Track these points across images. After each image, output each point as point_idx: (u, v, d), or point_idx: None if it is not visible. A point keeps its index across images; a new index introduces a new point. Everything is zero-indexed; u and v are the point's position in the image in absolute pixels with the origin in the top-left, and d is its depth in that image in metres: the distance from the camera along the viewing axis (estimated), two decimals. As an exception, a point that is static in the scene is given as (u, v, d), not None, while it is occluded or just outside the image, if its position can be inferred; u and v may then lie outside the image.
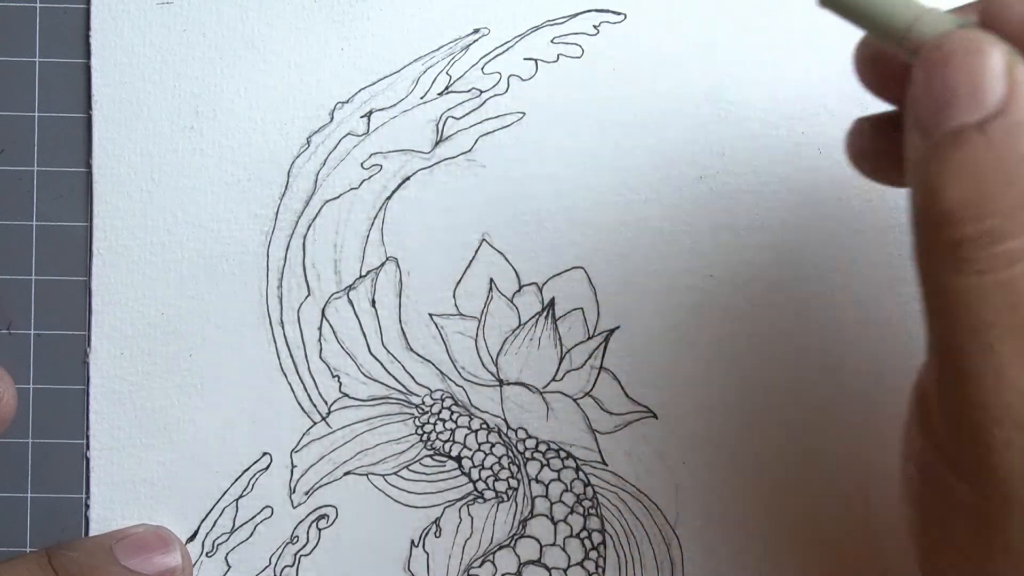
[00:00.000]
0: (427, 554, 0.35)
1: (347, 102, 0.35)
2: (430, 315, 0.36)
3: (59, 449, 0.35)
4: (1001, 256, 0.24)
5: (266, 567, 0.35)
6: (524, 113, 0.36)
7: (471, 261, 0.35)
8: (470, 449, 0.36)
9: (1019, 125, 0.25)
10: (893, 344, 0.35)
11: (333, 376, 0.35)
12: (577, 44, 0.36)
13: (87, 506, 0.35)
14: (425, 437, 0.36)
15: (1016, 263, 0.24)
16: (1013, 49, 0.26)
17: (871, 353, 0.35)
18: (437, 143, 0.36)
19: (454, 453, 0.36)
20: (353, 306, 0.35)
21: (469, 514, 0.36)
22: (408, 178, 0.35)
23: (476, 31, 0.36)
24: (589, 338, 0.35)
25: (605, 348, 0.35)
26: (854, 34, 0.36)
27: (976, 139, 0.25)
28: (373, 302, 0.35)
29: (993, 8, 0.26)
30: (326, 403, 0.35)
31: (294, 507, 0.35)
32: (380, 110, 0.35)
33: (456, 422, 0.36)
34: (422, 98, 0.35)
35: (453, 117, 0.36)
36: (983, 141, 0.25)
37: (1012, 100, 0.25)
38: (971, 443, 0.24)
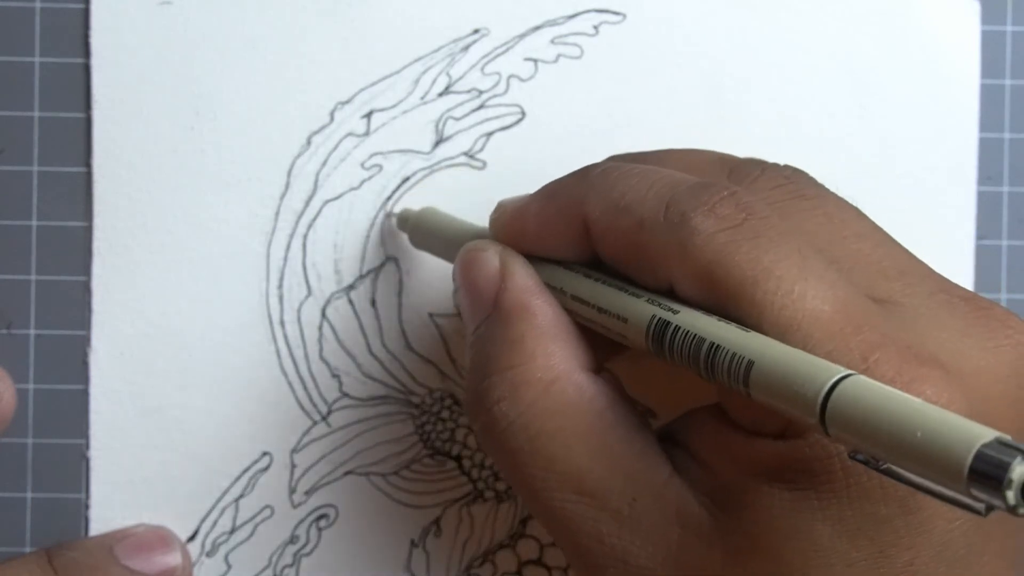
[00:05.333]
0: (427, 554, 0.35)
1: (347, 102, 0.35)
2: (430, 315, 0.36)
3: (59, 449, 0.35)
4: (518, 432, 0.28)
5: (266, 567, 0.35)
6: (524, 113, 0.36)
7: (471, 261, 0.35)
8: (470, 449, 0.36)
9: (508, 312, 0.29)
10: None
11: (333, 376, 0.35)
12: (577, 44, 0.36)
13: (87, 506, 0.35)
14: (425, 437, 0.36)
15: (531, 435, 0.28)
16: (507, 248, 0.30)
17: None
18: (437, 143, 0.36)
19: (454, 453, 0.36)
20: (353, 306, 0.35)
21: (469, 514, 0.36)
22: (408, 178, 0.35)
23: (476, 32, 0.36)
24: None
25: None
26: (854, 34, 0.36)
27: (482, 334, 0.29)
28: (373, 302, 0.35)
29: (491, 217, 0.31)
30: (326, 403, 0.35)
31: (294, 507, 0.35)
32: (380, 110, 0.35)
33: (456, 422, 0.36)
34: (422, 99, 0.36)
35: (453, 118, 0.36)
36: (484, 335, 0.29)
37: (502, 292, 0.29)
38: None
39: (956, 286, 0.27)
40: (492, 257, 0.30)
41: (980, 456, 0.19)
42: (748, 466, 0.26)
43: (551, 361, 0.28)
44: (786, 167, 0.29)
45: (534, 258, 0.30)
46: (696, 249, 0.26)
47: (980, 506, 0.20)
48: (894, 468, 0.22)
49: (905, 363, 0.24)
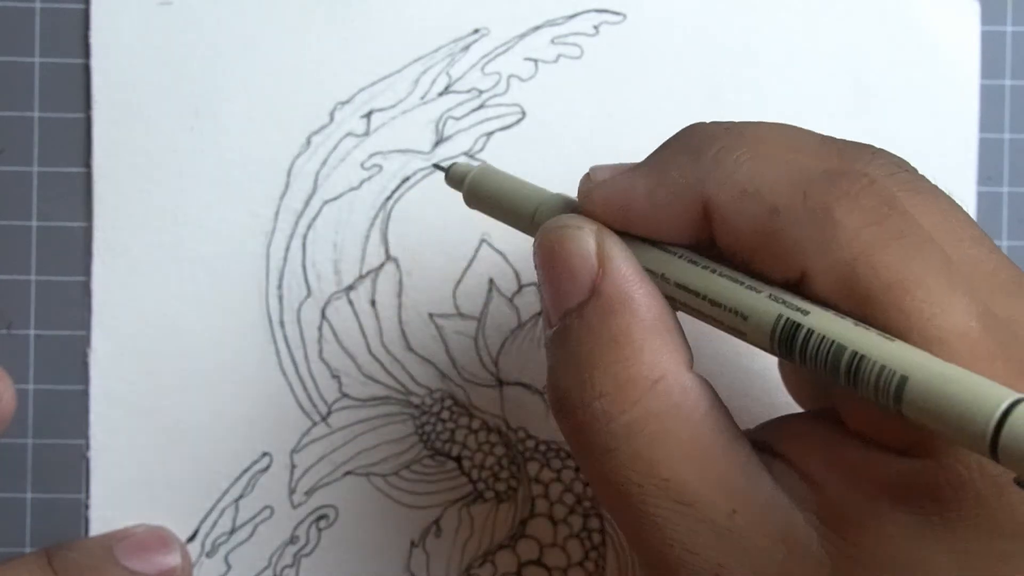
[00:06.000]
0: (427, 554, 0.35)
1: (347, 102, 0.35)
2: (430, 315, 0.36)
3: (59, 449, 0.35)
4: (619, 432, 0.26)
5: (266, 567, 0.35)
6: (524, 113, 0.36)
7: (471, 261, 0.35)
8: (470, 449, 0.36)
9: (610, 302, 0.26)
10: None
11: (333, 376, 0.35)
12: (577, 44, 0.36)
13: (87, 506, 0.35)
14: (425, 437, 0.36)
15: (632, 436, 0.26)
16: (602, 228, 0.27)
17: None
18: (437, 143, 0.36)
19: (454, 453, 0.36)
20: (353, 306, 0.35)
21: (469, 514, 0.36)
22: (408, 178, 0.35)
23: (476, 31, 0.36)
24: (589, 338, 0.35)
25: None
26: (854, 34, 0.36)
27: (576, 324, 0.27)
28: (373, 302, 0.35)
29: (582, 190, 0.28)
30: (326, 403, 0.35)
31: (294, 507, 0.35)
32: (380, 110, 0.35)
33: (456, 422, 0.36)
34: (422, 98, 0.36)
35: (453, 117, 0.36)
36: (581, 326, 0.26)
37: (602, 279, 0.26)
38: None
39: None
40: (587, 237, 0.27)
41: None
42: (866, 484, 0.24)
43: (658, 358, 0.26)
44: (893, 155, 0.27)
45: (629, 238, 0.27)
46: (841, 244, 0.24)
47: None
48: None
49: None
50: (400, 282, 0.36)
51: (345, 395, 0.35)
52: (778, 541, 0.25)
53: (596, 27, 0.36)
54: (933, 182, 0.26)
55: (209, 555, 0.35)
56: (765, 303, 0.25)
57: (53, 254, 0.35)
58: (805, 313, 0.24)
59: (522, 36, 0.36)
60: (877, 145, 0.26)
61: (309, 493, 0.35)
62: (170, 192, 0.35)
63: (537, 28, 0.36)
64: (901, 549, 0.23)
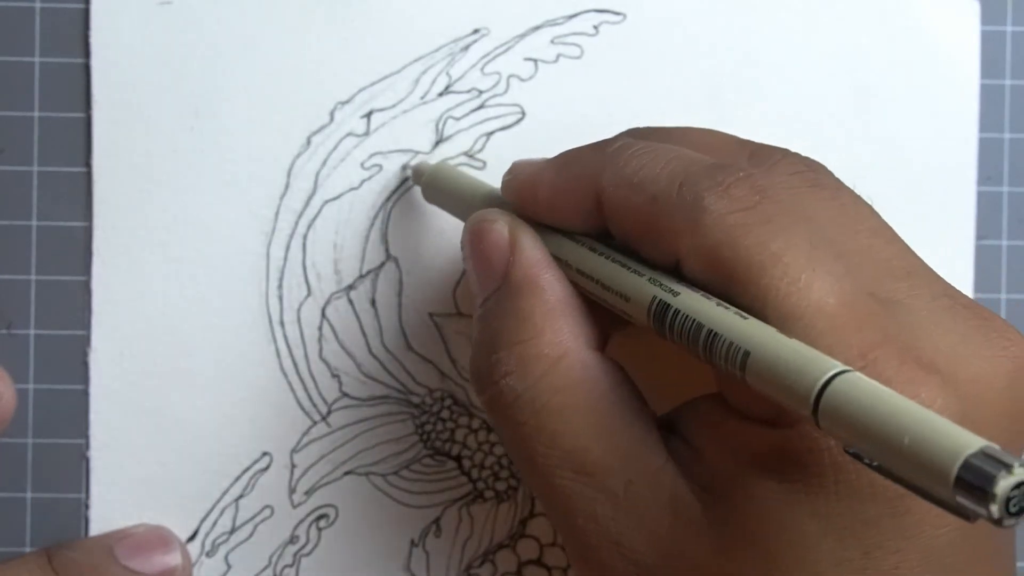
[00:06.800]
0: (427, 554, 0.35)
1: (347, 102, 0.35)
2: (430, 315, 0.36)
3: (59, 449, 0.35)
4: (525, 407, 0.28)
5: (266, 567, 0.35)
6: (524, 113, 0.36)
7: (471, 261, 0.35)
8: (470, 449, 0.36)
9: (518, 286, 0.29)
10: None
11: (333, 376, 0.35)
12: (577, 44, 0.36)
13: (87, 506, 0.35)
14: (425, 437, 0.36)
15: (536, 411, 0.28)
16: (516, 219, 0.30)
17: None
18: (437, 143, 0.36)
19: (454, 453, 0.36)
20: (353, 306, 0.35)
21: (469, 514, 0.36)
22: (408, 178, 0.35)
23: (476, 31, 0.36)
24: (589, 338, 0.35)
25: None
26: (854, 34, 0.36)
27: (489, 308, 0.29)
28: (373, 302, 0.35)
29: (503, 181, 0.31)
30: (326, 403, 0.35)
31: (294, 507, 0.35)
32: (380, 110, 0.35)
33: (456, 422, 0.36)
34: (422, 98, 0.36)
35: (453, 117, 0.36)
36: (493, 309, 0.29)
37: (512, 266, 0.29)
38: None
39: (960, 293, 0.27)
40: (502, 228, 0.30)
41: (966, 466, 0.19)
42: (740, 454, 0.26)
43: (559, 337, 0.28)
44: (806, 157, 0.29)
45: (543, 228, 0.30)
46: (705, 228, 0.26)
47: (966, 512, 0.20)
48: (885, 466, 0.22)
49: (904, 364, 0.24)
50: (400, 282, 0.36)
51: (345, 394, 0.35)
52: (666, 509, 0.26)
53: (596, 27, 0.36)
54: (841, 180, 0.29)
55: (209, 555, 0.35)
56: (644, 285, 0.27)
57: (53, 254, 0.35)
58: (676, 294, 0.26)
59: (522, 36, 0.36)
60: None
61: (309, 493, 0.35)
62: (170, 192, 0.35)
63: (537, 28, 0.36)
64: (771, 515, 0.25)
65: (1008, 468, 0.19)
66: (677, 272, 0.27)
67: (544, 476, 0.28)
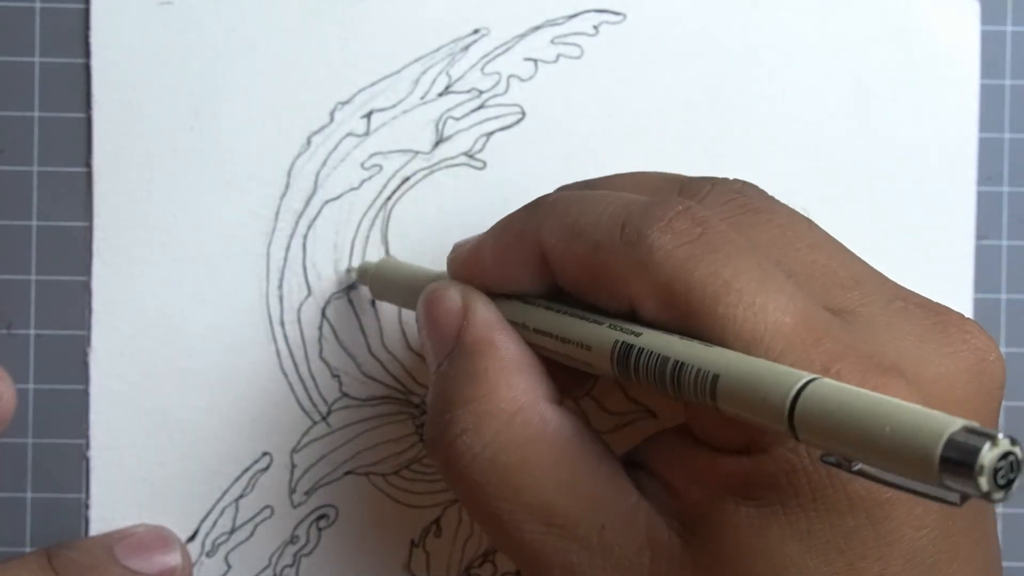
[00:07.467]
0: (427, 554, 0.35)
1: (347, 102, 0.35)
2: (430, 315, 0.36)
3: (59, 449, 0.35)
4: (484, 465, 0.28)
5: (266, 567, 0.35)
6: (524, 113, 0.36)
7: (471, 261, 0.35)
8: (470, 449, 0.36)
9: (472, 346, 0.29)
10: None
11: (333, 376, 0.35)
12: (577, 44, 0.36)
13: (87, 506, 0.35)
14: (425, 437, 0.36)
15: (496, 467, 0.27)
16: (468, 286, 0.30)
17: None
18: (437, 143, 0.36)
19: (454, 453, 0.36)
20: (353, 306, 0.36)
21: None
22: (408, 178, 0.35)
23: (476, 31, 0.36)
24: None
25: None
26: (854, 34, 0.36)
27: (444, 371, 0.29)
28: (373, 302, 0.35)
29: (448, 259, 0.31)
30: (326, 403, 0.35)
31: (294, 507, 0.35)
32: (380, 110, 0.35)
33: (456, 422, 0.36)
34: (422, 98, 0.36)
35: (453, 118, 0.36)
36: (447, 371, 0.29)
37: (465, 329, 0.29)
38: None
39: (912, 293, 0.27)
40: (454, 295, 0.30)
41: (950, 444, 0.19)
42: (714, 485, 0.26)
43: (514, 393, 0.28)
44: (735, 181, 0.29)
45: (495, 296, 0.30)
46: (655, 266, 0.26)
47: (954, 497, 0.20)
48: (866, 468, 0.22)
49: (867, 372, 0.24)
50: (400, 282, 0.36)
51: (345, 394, 0.36)
52: (644, 548, 0.26)
53: (596, 27, 0.36)
54: (775, 198, 0.29)
55: (209, 555, 0.35)
56: (605, 332, 0.27)
57: (53, 254, 0.35)
58: (638, 335, 0.26)
59: (522, 36, 0.36)
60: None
61: (309, 493, 0.35)
62: (170, 192, 0.35)
63: (537, 28, 0.36)
64: (751, 540, 0.25)
65: (992, 440, 0.19)
66: (633, 319, 0.27)
67: (512, 533, 0.27)
